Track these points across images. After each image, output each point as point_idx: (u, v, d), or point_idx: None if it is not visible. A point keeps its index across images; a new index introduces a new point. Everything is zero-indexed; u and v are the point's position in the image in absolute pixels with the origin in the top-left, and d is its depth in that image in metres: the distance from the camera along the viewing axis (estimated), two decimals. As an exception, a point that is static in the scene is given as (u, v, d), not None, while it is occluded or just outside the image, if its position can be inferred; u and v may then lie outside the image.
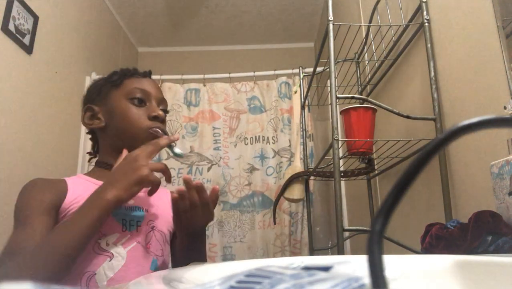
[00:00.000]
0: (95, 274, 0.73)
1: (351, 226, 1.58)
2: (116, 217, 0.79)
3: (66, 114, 1.99)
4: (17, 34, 1.61)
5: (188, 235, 0.82)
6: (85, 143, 2.06)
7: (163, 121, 0.87)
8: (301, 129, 1.94)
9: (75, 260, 0.66)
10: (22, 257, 0.62)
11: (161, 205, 0.89)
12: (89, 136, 0.95)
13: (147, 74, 0.92)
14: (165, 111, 0.91)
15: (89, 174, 0.87)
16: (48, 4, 1.87)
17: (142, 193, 0.81)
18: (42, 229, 0.69)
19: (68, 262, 0.64)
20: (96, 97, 0.87)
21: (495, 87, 0.75)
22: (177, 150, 0.81)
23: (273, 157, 2.13)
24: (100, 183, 0.74)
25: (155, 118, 0.84)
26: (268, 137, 2.17)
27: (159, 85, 2.20)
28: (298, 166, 1.81)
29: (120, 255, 0.75)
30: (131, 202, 0.82)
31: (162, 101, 0.90)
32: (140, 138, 0.81)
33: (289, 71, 2.22)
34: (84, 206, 0.68)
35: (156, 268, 0.82)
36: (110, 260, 0.74)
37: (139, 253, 0.79)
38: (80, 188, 0.79)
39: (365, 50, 1.50)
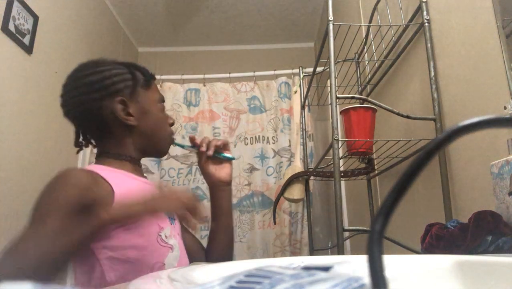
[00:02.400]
0: (164, 264, 0.76)
1: (351, 226, 1.58)
2: None
3: (66, 114, 1.99)
4: (17, 34, 1.61)
5: (224, 189, 0.91)
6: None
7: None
8: (301, 129, 1.94)
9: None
10: (25, 267, 0.56)
11: None
12: (96, 124, 0.81)
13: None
14: None
15: (113, 165, 0.79)
16: (48, 4, 1.87)
17: None
18: (63, 247, 0.60)
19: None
20: (125, 90, 0.81)
21: (495, 87, 0.75)
22: (226, 153, 0.91)
23: (273, 157, 2.13)
24: (136, 177, 0.80)
25: (171, 125, 0.90)
26: (268, 137, 2.17)
27: (160, 85, 2.23)
28: (298, 166, 1.81)
29: (176, 247, 0.80)
30: None
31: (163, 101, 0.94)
32: (166, 142, 0.88)
33: (289, 71, 2.22)
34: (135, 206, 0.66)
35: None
36: (172, 252, 0.78)
37: (181, 243, 0.84)
38: (123, 186, 0.74)
39: (365, 50, 1.50)
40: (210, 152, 0.88)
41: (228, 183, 0.92)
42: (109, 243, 0.70)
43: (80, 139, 0.86)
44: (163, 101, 0.91)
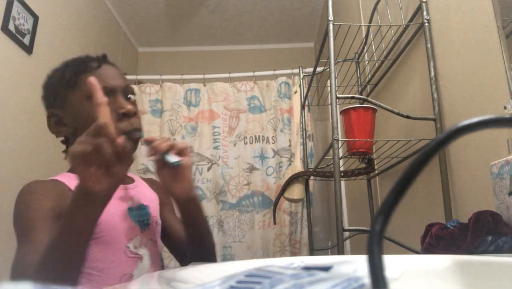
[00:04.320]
0: (133, 275, 0.75)
1: (351, 226, 1.58)
2: (134, 219, 0.80)
3: (66, 114, 1.99)
4: (17, 34, 1.61)
5: (182, 204, 0.76)
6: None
7: (134, 113, 0.77)
8: (301, 129, 1.94)
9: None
10: (32, 275, 0.58)
11: (148, 194, 0.90)
12: (61, 140, 0.82)
13: (102, 61, 0.80)
14: (133, 94, 0.81)
15: (74, 171, 0.74)
16: (48, 4, 1.87)
17: (133, 190, 0.84)
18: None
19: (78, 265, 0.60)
20: (54, 101, 0.78)
21: (495, 87, 0.75)
22: (171, 158, 0.70)
23: (272, 157, 2.13)
24: None
25: (124, 115, 0.74)
26: (267, 137, 2.17)
27: (160, 85, 2.23)
28: (298, 166, 1.81)
29: (146, 256, 0.78)
30: (136, 202, 0.83)
31: (126, 89, 0.79)
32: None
33: (289, 71, 2.23)
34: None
35: (162, 260, 0.85)
36: (141, 262, 0.77)
37: (154, 250, 0.82)
38: None
39: (365, 50, 1.50)
40: (154, 156, 0.71)
41: (186, 200, 0.75)
42: None
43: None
44: (111, 90, 0.75)
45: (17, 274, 0.61)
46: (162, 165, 0.73)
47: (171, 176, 0.73)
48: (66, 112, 0.77)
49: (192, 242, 0.79)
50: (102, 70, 0.78)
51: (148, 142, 0.71)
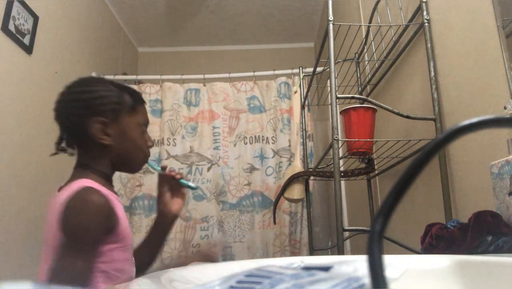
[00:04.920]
0: (133, 276, 0.89)
1: (351, 226, 1.58)
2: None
3: (66, 114, 1.99)
4: (17, 34, 1.61)
5: (166, 219, 1.00)
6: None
7: None
8: (301, 129, 1.94)
9: None
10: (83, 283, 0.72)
11: None
12: (78, 136, 0.90)
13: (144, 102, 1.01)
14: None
15: (97, 181, 0.86)
16: (48, 4, 1.87)
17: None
18: (91, 265, 0.75)
19: None
20: (107, 112, 0.88)
21: (495, 87, 0.75)
22: (189, 182, 1.00)
23: (272, 157, 2.13)
24: (113, 193, 0.87)
25: (150, 146, 0.97)
26: (267, 137, 2.17)
27: (160, 85, 2.23)
28: (298, 166, 1.81)
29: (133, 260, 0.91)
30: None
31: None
32: (138, 163, 0.95)
33: (289, 71, 2.22)
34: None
35: None
36: (134, 265, 0.90)
37: None
38: (117, 207, 0.85)
39: (365, 50, 1.50)
40: (178, 176, 0.99)
41: (175, 217, 1.00)
42: (102, 258, 0.78)
43: (62, 145, 0.92)
44: (147, 125, 0.97)
45: (65, 278, 0.71)
46: (162, 181, 1.01)
47: (171, 193, 1.01)
48: (115, 126, 0.89)
49: (149, 254, 0.99)
50: (144, 106, 0.98)
51: (163, 168, 1.00)
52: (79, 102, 0.87)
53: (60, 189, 0.85)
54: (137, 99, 0.94)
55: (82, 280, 0.72)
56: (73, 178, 0.85)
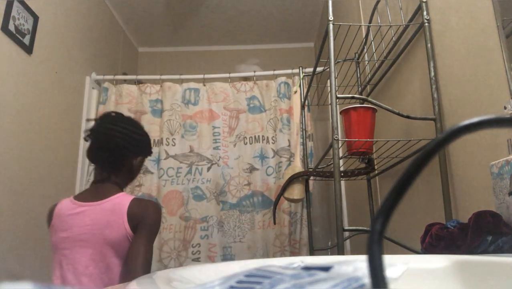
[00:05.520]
0: None
1: (351, 226, 1.58)
2: None
3: (66, 114, 1.99)
4: (17, 34, 1.61)
5: None
6: (84, 143, 2.07)
7: None
8: (301, 129, 1.94)
9: None
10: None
11: None
12: (121, 164, 1.21)
13: None
14: None
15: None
16: (48, 4, 1.87)
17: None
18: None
19: None
20: (147, 154, 1.27)
21: (495, 87, 0.75)
22: None
23: (272, 157, 2.13)
24: None
25: None
26: (267, 137, 2.17)
27: (160, 85, 2.23)
28: (298, 166, 1.81)
29: None
30: None
31: None
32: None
33: (289, 71, 2.22)
34: None
35: None
36: None
37: None
38: None
39: (365, 50, 1.50)
40: None
41: None
42: None
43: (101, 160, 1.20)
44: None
45: (147, 265, 1.03)
46: None
47: None
48: (138, 163, 1.26)
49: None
50: None
51: None
52: (134, 140, 1.19)
53: (95, 199, 1.11)
54: (150, 147, 1.29)
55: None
56: (112, 191, 1.13)
